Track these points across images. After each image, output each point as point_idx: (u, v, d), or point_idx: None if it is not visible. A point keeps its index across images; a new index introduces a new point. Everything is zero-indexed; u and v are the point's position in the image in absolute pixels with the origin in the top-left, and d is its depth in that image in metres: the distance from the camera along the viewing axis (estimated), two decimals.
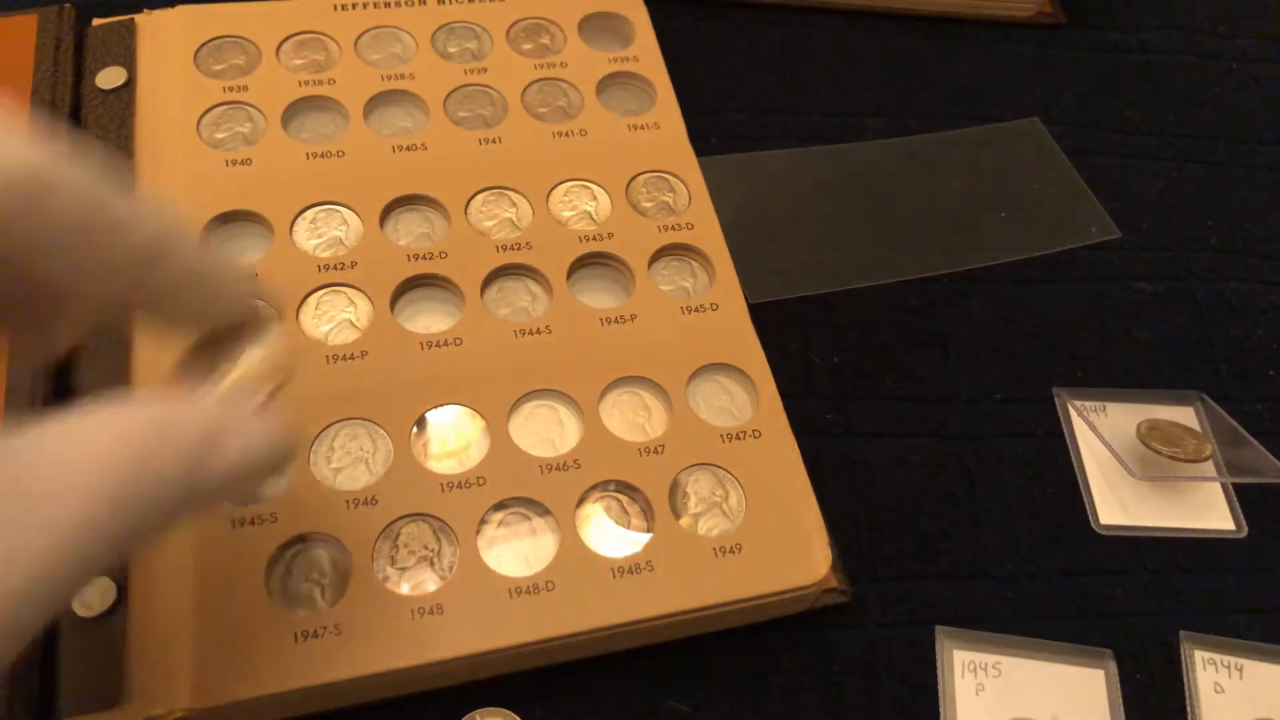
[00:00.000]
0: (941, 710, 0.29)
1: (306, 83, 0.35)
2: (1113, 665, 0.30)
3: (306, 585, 0.27)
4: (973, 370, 0.36)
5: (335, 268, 0.31)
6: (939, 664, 0.30)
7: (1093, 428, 0.35)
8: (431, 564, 0.27)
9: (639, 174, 0.35)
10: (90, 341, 0.29)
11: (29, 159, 0.17)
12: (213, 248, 0.21)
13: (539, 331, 0.31)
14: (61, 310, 0.20)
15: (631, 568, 0.28)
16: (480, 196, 0.34)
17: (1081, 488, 0.34)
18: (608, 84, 0.38)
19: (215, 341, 0.21)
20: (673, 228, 0.34)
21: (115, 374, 0.29)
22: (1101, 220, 0.40)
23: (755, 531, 0.29)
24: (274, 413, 0.20)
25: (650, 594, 0.27)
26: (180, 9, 0.36)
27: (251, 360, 0.20)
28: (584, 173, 0.35)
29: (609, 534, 0.28)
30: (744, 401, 0.31)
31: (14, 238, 0.17)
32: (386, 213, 0.33)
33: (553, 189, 0.34)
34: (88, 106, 0.33)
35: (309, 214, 0.32)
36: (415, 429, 0.29)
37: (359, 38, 0.37)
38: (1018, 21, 0.46)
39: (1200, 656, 0.31)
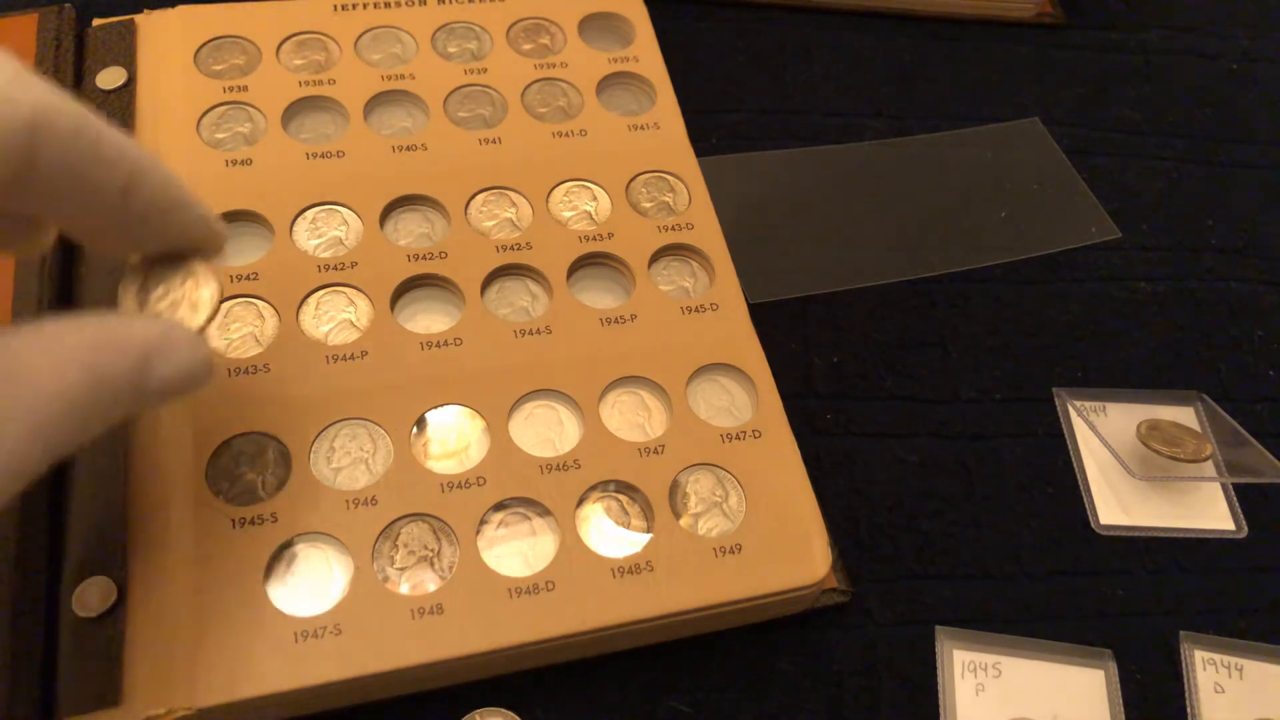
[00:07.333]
0: (941, 710, 0.29)
1: (306, 83, 0.35)
2: (1113, 665, 0.30)
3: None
4: (973, 370, 0.36)
5: (335, 268, 0.31)
6: (939, 664, 0.30)
7: (1093, 428, 0.35)
8: (431, 564, 0.27)
9: (639, 174, 0.35)
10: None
11: (31, 101, 0.20)
12: (175, 177, 0.23)
13: (539, 331, 0.31)
14: (43, 228, 0.24)
15: (631, 568, 0.28)
16: (480, 196, 0.34)
17: (1081, 488, 0.34)
18: (608, 84, 0.38)
19: (160, 260, 0.24)
20: (673, 228, 0.34)
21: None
22: (1101, 220, 0.40)
23: (755, 531, 0.29)
24: (204, 340, 0.23)
25: (650, 594, 0.27)
26: (180, 9, 0.36)
27: (190, 289, 0.24)
28: (584, 173, 0.35)
29: (609, 534, 0.28)
30: (744, 401, 0.31)
31: (19, 174, 0.20)
32: (386, 213, 0.33)
33: (553, 189, 0.34)
34: (88, 107, 0.33)
35: (309, 214, 0.33)
36: (415, 429, 0.29)
37: (359, 38, 0.37)
38: (1018, 21, 0.46)
39: (1200, 656, 0.31)
